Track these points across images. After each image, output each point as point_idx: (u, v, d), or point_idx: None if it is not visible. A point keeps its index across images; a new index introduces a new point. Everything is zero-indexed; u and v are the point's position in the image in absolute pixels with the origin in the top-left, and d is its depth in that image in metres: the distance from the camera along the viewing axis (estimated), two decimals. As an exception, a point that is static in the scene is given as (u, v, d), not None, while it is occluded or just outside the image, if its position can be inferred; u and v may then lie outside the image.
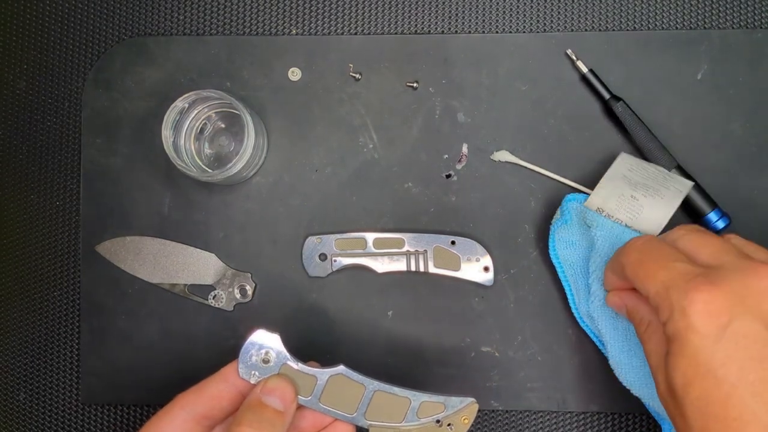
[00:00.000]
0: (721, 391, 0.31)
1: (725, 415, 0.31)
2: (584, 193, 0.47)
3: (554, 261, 0.46)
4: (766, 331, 0.31)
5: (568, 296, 0.46)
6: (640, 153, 0.48)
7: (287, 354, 0.38)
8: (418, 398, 0.39)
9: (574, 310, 0.46)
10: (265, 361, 0.38)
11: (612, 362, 0.44)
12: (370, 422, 0.39)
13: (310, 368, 0.39)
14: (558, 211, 0.46)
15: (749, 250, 0.36)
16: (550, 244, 0.46)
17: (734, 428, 0.31)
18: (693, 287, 0.32)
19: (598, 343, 0.46)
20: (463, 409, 0.39)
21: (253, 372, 0.38)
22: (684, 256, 0.35)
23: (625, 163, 0.45)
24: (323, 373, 0.39)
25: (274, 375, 0.38)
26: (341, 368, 0.39)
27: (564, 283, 0.46)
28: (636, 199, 0.44)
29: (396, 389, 0.39)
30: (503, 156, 0.48)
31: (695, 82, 0.48)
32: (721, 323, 0.32)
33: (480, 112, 0.49)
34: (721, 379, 0.31)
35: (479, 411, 0.48)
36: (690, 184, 0.45)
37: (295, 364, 0.38)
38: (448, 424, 0.39)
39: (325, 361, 0.48)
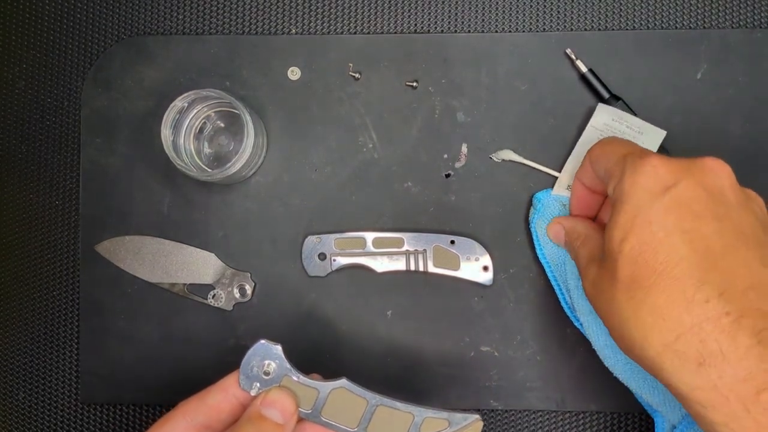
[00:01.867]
0: (655, 237, 0.33)
1: (655, 259, 0.33)
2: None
3: (542, 261, 0.46)
4: (706, 197, 0.33)
5: (558, 295, 0.46)
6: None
7: (289, 366, 0.38)
8: (421, 414, 0.38)
9: (566, 310, 0.46)
10: (267, 373, 0.38)
11: (600, 355, 0.44)
12: None
13: (311, 381, 0.38)
14: (531, 210, 0.47)
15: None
16: (536, 245, 0.46)
17: (660, 271, 0.33)
18: (648, 153, 0.35)
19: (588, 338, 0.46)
20: (467, 426, 0.38)
21: (254, 383, 0.38)
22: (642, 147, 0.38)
23: (595, 130, 0.46)
24: (325, 386, 0.38)
25: (275, 387, 0.38)
26: (343, 381, 0.38)
27: (553, 283, 0.46)
28: None
29: (399, 404, 0.38)
30: (506, 155, 0.48)
31: (695, 82, 0.48)
32: (665, 184, 0.34)
33: (479, 112, 0.49)
34: (657, 228, 0.33)
35: (479, 411, 0.48)
36: (662, 133, 0.46)
37: (296, 377, 0.38)
38: None
39: (325, 361, 0.49)
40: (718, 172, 0.35)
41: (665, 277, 0.32)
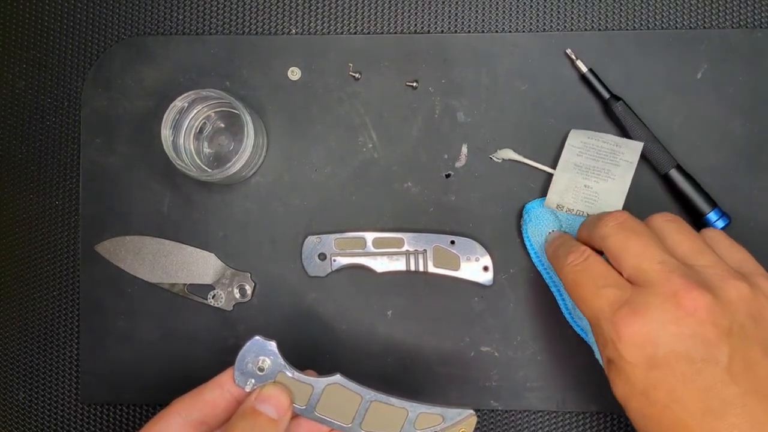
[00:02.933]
0: (655, 408, 0.34)
1: (662, 424, 0.34)
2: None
3: (539, 268, 0.47)
4: (687, 353, 0.33)
5: (558, 301, 0.46)
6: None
7: (283, 362, 0.38)
8: (415, 409, 0.38)
9: (566, 315, 0.46)
10: (261, 369, 0.38)
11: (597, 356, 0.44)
12: None
13: (306, 377, 0.38)
14: (522, 219, 0.47)
15: (667, 233, 0.38)
16: (531, 253, 0.47)
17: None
18: (619, 320, 0.35)
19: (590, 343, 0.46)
20: (461, 421, 0.39)
21: (249, 379, 0.38)
22: (613, 277, 0.37)
23: (574, 148, 0.46)
24: (319, 382, 0.38)
25: (270, 383, 0.38)
26: (337, 377, 0.38)
27: (552, 289, 0.46)
28: (589, 187, 0.45)
29: (393, 400, 0.38)
30: (506, 154, 0.48)
31: (695, 82, 0.48)
32: (647, 353, 0.34)
33: (479, 112, 0.49)
34: (654, 400, 0.34)
35: (479, 411, 0.48)
36: (640, 145, 0.46)
37: (291, 373, 0.38)
38: None
39: (325, 361, 0.49)
40: (693, 313, 0.34)
41: None
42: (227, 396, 0.38)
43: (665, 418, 0.34)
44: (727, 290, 0.35)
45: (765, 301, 0.35)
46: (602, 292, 0.36)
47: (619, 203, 0.46)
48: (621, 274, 0.37)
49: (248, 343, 0.38)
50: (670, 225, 0.38)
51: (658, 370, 0.34)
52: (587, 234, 0.41)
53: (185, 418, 0.37)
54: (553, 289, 0.47)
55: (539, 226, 0.46)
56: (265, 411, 0.37)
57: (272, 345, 0.38)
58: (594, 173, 0.46)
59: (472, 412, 0.39)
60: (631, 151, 0.46)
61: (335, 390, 0.38)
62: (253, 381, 0.38)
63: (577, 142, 0.46)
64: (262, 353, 0.38)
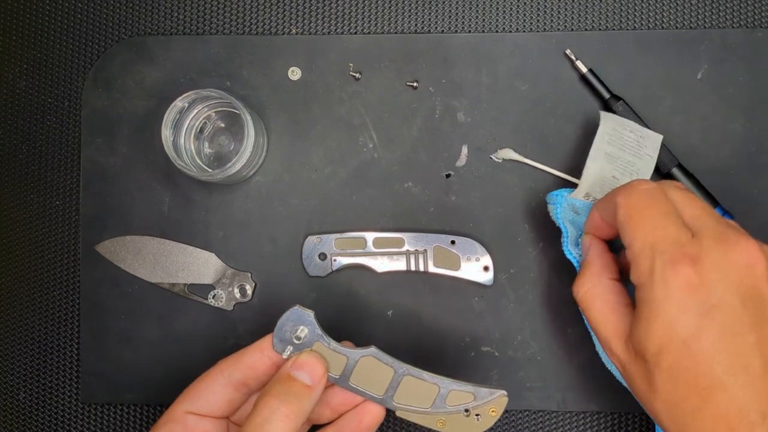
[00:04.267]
0: (694, 361, 0.32)
1: (696, 383, 0.32)
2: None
3: (568, 256, 0.45)
4: (741, 306, 0.32)
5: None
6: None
7: (320, 332, 0.39)
8: (447, 386, 0.39)
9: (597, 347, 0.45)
10: (298, 338, 0.39)
11: (602, 357, 0.43)
12: (397, 404, 0.39)
13: (342, 347, 0.39)
14: (551, 207, 0.45)
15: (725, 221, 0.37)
16: (564, 240, 0.45)
17: (703, 396, 0.32)
18: (678, 259, 0.33)
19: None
20: (493, 400, 0.39)
21: (287, 347, 0.39)
22: (678, 216, 0.36)
23: (605, 135, 0.45)
24: (354, 353, 0.39)
25: (306, 351, 0.39)
26: (372, 350, 0.39)
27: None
28: (617, 179, 0.44)
29: (426, 375, 0.39)
30: (506, 154, 0.48)
31: (695, 82, 0.48)
32: (700, 299, 0.32)
33: (480, 112, 0.49)
34: (695, 351, 0.32)
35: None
36: (659, 137, 0.45)
37: (327, 342, 0.39)
38: (476, 415, 0.39)
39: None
40: (754, 267, 0.33)
41: (707, 403, 0.32)
42: (266, 360, 0.39)
43: (703, 374, 0.32)
44: None
45: None
46: (665, 225, 0.34)
47: None
48: None
49: (287, 312, 0.39)
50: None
51: (708, 320, 0.32)
52: (607, 208, 0.39)
53: (228, 378, 0.39)
54: None
55: (567, 214, 0.45)
56: (300, 377, 0.38)
57: (310, 315, 0.39)
58: (621, 165, 0.45)
59: (503, 392, 0.39)
60: (653, 144, 0.45)
61: (369, 362, 0.39)
62: (291, 348, 0.39)
63: (608, 128, 0.45)
64: (301, 322, 0.39)
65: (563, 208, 0.45)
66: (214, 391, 0.39)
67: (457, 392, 0.39)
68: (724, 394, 0.32)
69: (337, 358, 0.39)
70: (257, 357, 0.39)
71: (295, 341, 0.39)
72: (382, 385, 0.39)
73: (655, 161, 0.45)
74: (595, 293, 0.39)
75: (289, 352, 0.39)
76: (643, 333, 0.34)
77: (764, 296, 0.33)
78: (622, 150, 0.45)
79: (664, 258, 0.33)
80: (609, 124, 0.45)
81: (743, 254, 0.33)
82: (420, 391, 0.39)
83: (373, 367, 0.39)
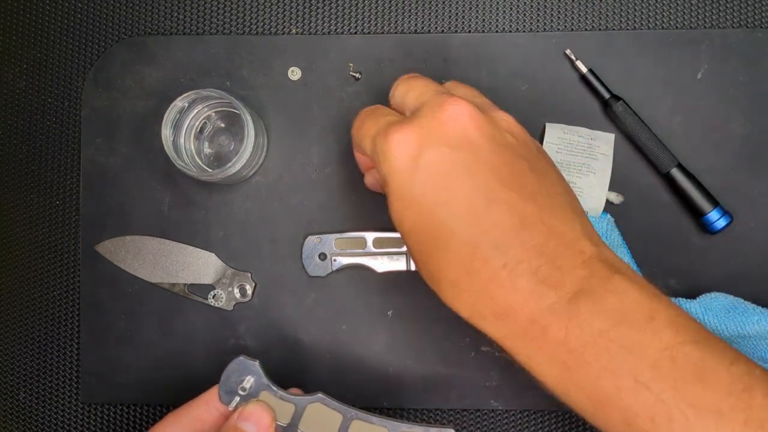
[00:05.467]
0: (425, 216, 0.34)
1: (427, 232, 0.34)
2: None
3: None
4: (451, 151, 0.34)
5: None
6: (640, 152, 0.48)
7: (267, 381, 0.39)
8: (395, 428, 0.39)
9: None
10: (244, 389, 0.39)
11: None
12: None
13: (288, 395, 0.39)
14: None
15: (459, 91, 0.38)
16: None
17: (439, 246, 0.34)
18: (389, 131, 0.35)
19: None
20: None
21: (233, 398, 0.39)
22: (392, 111, 0.38)
23: (552, 145, 0.46)
24: (302, 401, 0.39)
25: (252, 401, 0.39)
26: (319, 396, 0.39)
27: None
28: (573, 183, 0.46)
29: (374, 419, 0.39)
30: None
31: (695, 82, 0.48)
32: (412, 155, 0.34)
33: (480, 112, 0.49)
34: (422, 205, 0.34)
35: (479, 411, 0.48)
36: (611, 136, 0.46)
37: (274, 392, 0.39)
38: None
39: (324, 361, 0.49)
40: (457, 117, 0.34)
41: (446, 252, 0.34)
42: (214, 412, 0.39)
43: (430, 223, 0.34)
44: (495, 113, 0.36)
45: (526, 134, 0.37)
46: (382, 119, 0.37)
47: (603, 196, 0.46)
48: None
49: (232, 363, 0.39)
50: (452, 82, 0.40)
51: (426, 172, 0.34)
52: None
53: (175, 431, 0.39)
54: None
55: None
56: (246, 429, 0.38)
57: (255, 365, 0.39)
58: (576, 168, 0.46)
59: (452, 430, 0.39)
60: (606, 143, 0.46)
61: (317, 408, 0.39)
62: (237, 399, 0.39)
63: (554, 138, 0.47)
64: (246, 372, 0.39)
65: None
66: None
67: None
68: (453, 237, 0.33)
69: (284, 406, 0.39)
70: (204, 409, 0.39)
71: (241, 392, 0.39)
72: (331, 430, 0.39)
73: (612, 157, 0.46)
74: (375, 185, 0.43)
75: (235, 404, 0.39)
76: (390, 210, 0.36)
77: (474, 141, 0.34)
78: (573, 155, 0.46)
79: (381, 137, 0.35)
80: (554, 133, 0.47)
81: (450, 108, 0.34)
82: None
83: (321, 413, 0.39)
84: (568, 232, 0.33)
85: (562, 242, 0.33)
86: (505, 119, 0.36)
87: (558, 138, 0.47)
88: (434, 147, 0.34)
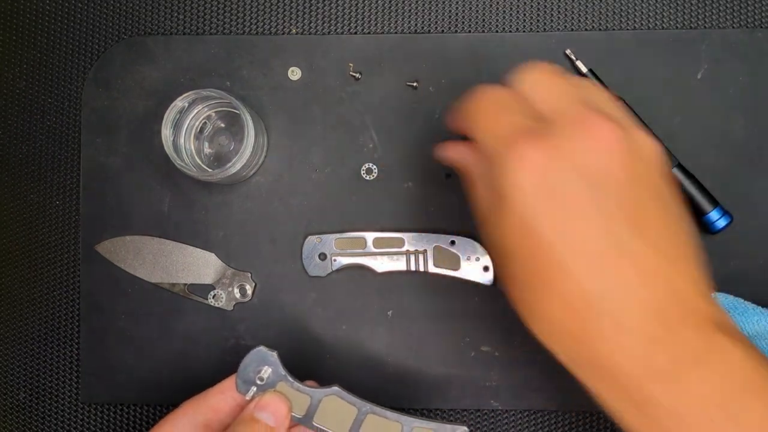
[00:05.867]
0: (537, 243, 0.31)
1: (540, 265, 0.31)
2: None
3: None
4: (589, 189, 0.30)
5: None
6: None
7: (284, 372, 0.39)
8: (409, 423, 0.39)
9: None
10: (262, 378, 0.39)
11: None
12: None
13: (305, 387, 0.39)
14: None
15: (595, 98, 0.34)
16: None
17: (548, 281, 0.31)
18: (519, 142, 0.31)
19: None
20: None
21: (250, 387, 0.39)
22: (523, 108, 0.34)
23: None
24: (318, 393, 0.39)
25: (269, 391, 0.39)
26: (335, 389, 0.40)
27: None
28: None
29: (388, 413, 0.39)
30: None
31: (695, 82, 0.48)
32: (541, 177, 0.31)
33: (480, 112, 0.49)
34: (539, 232, 0.31)
35: (479, 411, 0.49)
36: None
37: (291, 383, 0.39)
38: None
39: (324, 361, 0.49)
40: (601, 146, 0.31)
41: (552, 289, 0.31)
42: (230, 401, 0.39)
43: (546, 257, 0.31)
44: (637, 136, 0.32)
45: (663, 158, 0.33)
46: (508, 118, 0.33)
47: None
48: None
49: (251, 353, 0.39)
50: (590, 82, 0.37)
51: (553, 200, 0.30)
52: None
53: (191, 421, 0.39)
54: None
55: None
56: (263, 418, 0.38)
57: (274, 356, 0.39)
58: None
59: (465, 429, 0.39)
60: None
61: (332, 401, 0.39)
62: (254, 389, 0.39)
63: None
64: (264, 363, 0.39)
65: None
66: None
67: (420, 429, 0.39)
68: (567, 278, 0.30)
69: (300, 398, 0.39)
70: (220, 398, 0.39)
71: (259, 382, 0.39)
72: (346, 423, 0.39)
73: None
74: (476, 177, 0.36)
75: (252, 393, 0.39)
76: (500, 224, 0.32)
77: (619, 181, 0.31)
78: None
79: (506, 144, 0.31)
80: None
81: (599, 135, 0.31)
82: (383, 429, 0.39)
83: (336, 406, 0.39)
84: (686, 288, 0.31)
85: (679, 301, 0.31)
86: (648, 145, 0.32)
87: None
88: (568, 174, 0.30)
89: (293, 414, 0.39)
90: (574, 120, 0.32)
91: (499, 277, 0.35)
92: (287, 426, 0.39)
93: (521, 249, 0.32)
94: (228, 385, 0.39)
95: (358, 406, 0.39)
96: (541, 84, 0.34)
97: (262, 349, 0.39)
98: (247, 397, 0.39)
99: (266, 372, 0.39)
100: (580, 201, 0.30)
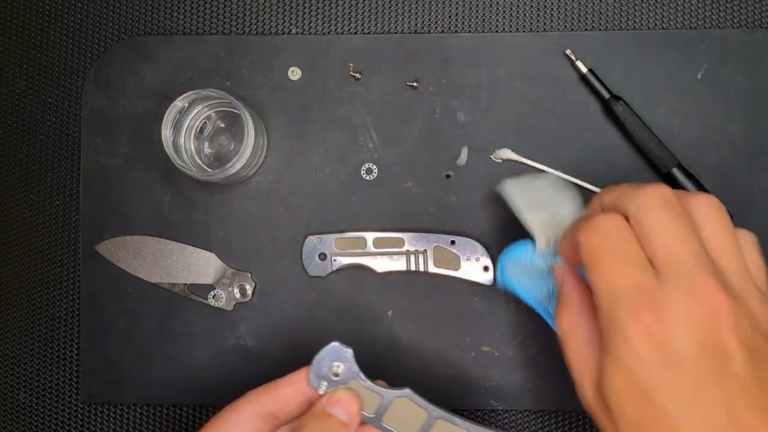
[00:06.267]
0: (655, 413, 0.31)
1: (646, 429, 0.31)
2: (589, 189, 0.47)
3: (538, 310, 0.43)
4: (704, 357, 0.31)
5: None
6: (641, 153, 0.48)
7: (357, 370, 0.39)
8: None
9: None
10: (335, 374, 0.39)
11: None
12: None
13: (376, 387, 0.39)
14: (501, 268, 0.43)
15: (715, 241, 0.34)
16: (520, 293, 0.43)
17: None
18: (639, 308, 0.31)
19: None
20: None
21: (322, 382, 0.39)
22: (640, 254, 0.33)
23: (519, 197, 0.43)
24: (389, 394, 0.39)
25: (342, 387, 0.39)
26: (407, 391, 0.39)
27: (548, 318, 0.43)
28: (556, 214, 0.42)
29: (458, 420, 0.39)
30: (505, 154, 0.48)
31: (695, 82, 0.48)
32: (662, 349, 0.31)
33: (480, 112, 0.49)
34: (655, 402, 0.31)
35: (479, 411, 0.49)
36: (564, 177, 0.44)
37: (363, 381, 0.39)
38: None
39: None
40: (718, 316, 0.31)
41: None
42: (299, 395, 0.39)
43: (665, 428, 0.31)
44: (752, 303, 0.32)
45: None
46: (627, 271, 0.33)
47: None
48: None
49: (326, 348, 0.39)
50: (715, 214, 0.35)
51: (669, 371, 0.31)
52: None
53: (257, 411, 0.39)
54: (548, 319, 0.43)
55: (522, 263, 0.43)
56: (336, 414, 0.38)
57: (349, 352, 0.39)
58: (548, 205, 0.42)
59: None
60: (556, 180, 0.43)
61: (403, 403, 0.39)
62: (325, 384, 0.39)
63: (516, 191, 0.43)
64: (339, 359, 0.39)
65: (517, 266, 0.42)
66: (241, 423, 0.38)
67: None
68: None
69: (371, 397, 0.39)
70: (289, 390, 0.39)
71: (332, 377, 0.39)
72: (414, 427, 0.39)
73: (570, 184, 0.44)
74: (574, 330, 0.37)
75: (324, 388, 0.39)
76: (607, 382, 0.33)
77: (727, 348, 0.31)
78: (541, 193, 0.43)
79: (625, 306, 0.32)
80: (514, 189, 0.43)
81: (709, 303, 0.31)
82: None
83: (406, 408, 0.39)
84: None
85: None
86: (762, 310, 0.32)
87: (523, 188, 0.43)
88: (685, 344, 0.31)
89: (363, 413, 0.39)
90: (690, 286, 0.32)
91: (591, 408, 0.35)
92: (358, 423, 0.38)
93: (634, 414, 0.32)
94: (299, 378, 0.39)
95: (428, 410, 0.39)
96: (662, 224, 0.33)
97: (337, 345, 0.39)
98: (320, 392, 0.39)
99: (339, 368, 0.39)
100: (699, 373, 0.31)
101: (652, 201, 0.34)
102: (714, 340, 0.31)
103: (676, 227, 0.33)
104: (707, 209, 0.35)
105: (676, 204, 0.34)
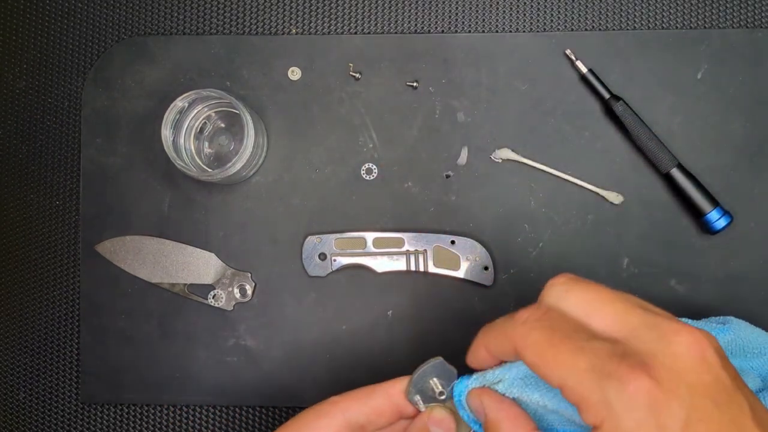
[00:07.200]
0: None
1: None
2: (590, 190, 0.47)
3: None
4: (715, 405, 0.28)
5: None
6: (641, 153, 0.48)
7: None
8: None
9: None
10: (437, 391, 0.37)
11: None
12: None
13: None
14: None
15: (640, 301, 0.32)
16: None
17: None
18: (628, 376, 0.28)
19: None
20: None
21: (417, 396, 0.37)
22: (584, 330, 0.30)
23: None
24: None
25: (441, 406, 0.37)
26: None
27: None
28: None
29: None
30: (505, 154, 0.48)
31: (695, 82, 0.48)
32: (673, 413, 0.28)
33: (480, 112, 0.49)
34: None
35: (479, 411, 0.48)
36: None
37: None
38: None
39: (324, 361, 0.49)
40: (705, 357, 0.29)
41: None
42: (393, 407, 0.37)
43: None
44: (707, 332, 0.30)
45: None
46: (590, 345, 0.29)
47: None
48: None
49: (431, 363, 0.37)
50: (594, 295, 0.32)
51: (674, 420, 0.28)
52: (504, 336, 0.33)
53: (348, 419, 0.37)
54: None
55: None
56: None
57: (454, 372, 0.37)
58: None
59: None
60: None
61: None
62: (419, 398, 0.37)
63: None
64: (442, 377, 0.37)
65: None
66: (329, 429, 0.37)
67: None
68: None
69: (461, 422, 0.37)
70: (383, 401, 0.37)
71: (431, 394, 0.37)
72: None
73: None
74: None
75: (421, 404, 0.37)
76: None
77: (729, 387, 0.29)
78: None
79: (612, 380, 0.28)
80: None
81: (689, 346, 0.29)
82: None
83: None
84: None
85: None
86: (705, 348, 0.29)
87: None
88: (693, 400, 0.28)
89: None
90: (656, 331, 0.29)
91: None
92: None
93: None
94: (396, 389, 0.37)
95: None
96: (588, 298, 0.31)
97: (443, 362, 0.37)
98: (421, 408, 0.37)
99: (441, 385, 0.37)
100: (714, 423, 0.28)
101: (564, 286, 0.32)
102: (715, 383, 0.29)
103: (598, 299, 0.31)
104: (582, 293, 0.32)
105: (576, 278, 0.32)
